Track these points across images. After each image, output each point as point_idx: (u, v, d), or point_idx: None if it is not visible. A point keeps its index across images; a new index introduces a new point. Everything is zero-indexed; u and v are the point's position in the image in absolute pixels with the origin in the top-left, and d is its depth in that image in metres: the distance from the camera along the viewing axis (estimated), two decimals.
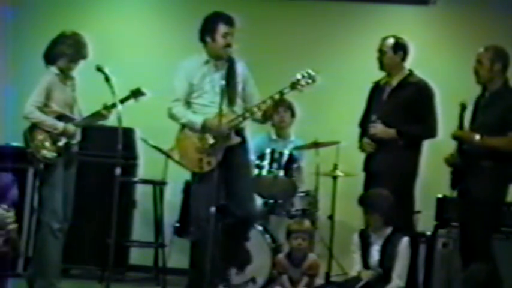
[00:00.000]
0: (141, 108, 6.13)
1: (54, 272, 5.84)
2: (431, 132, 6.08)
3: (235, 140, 5.77)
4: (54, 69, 5.86)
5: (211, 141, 5.70)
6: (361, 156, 6.22)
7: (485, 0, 7.53)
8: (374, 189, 5.84)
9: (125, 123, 5.71)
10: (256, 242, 6.48)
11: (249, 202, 5.89)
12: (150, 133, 6.98)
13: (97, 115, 5.88)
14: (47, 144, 5.76)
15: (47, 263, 5.78)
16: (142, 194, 7.48)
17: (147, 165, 7.48)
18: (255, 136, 6.82)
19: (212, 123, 5.63)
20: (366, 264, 5.71)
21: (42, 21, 7.73)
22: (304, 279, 6.00)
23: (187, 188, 6.65)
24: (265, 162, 6.71)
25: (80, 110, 6.01)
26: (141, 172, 7.52)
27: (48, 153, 5.75)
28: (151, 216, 7.12)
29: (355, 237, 5.81)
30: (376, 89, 6.25)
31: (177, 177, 6.85)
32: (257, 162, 6.71)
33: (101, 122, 6.02)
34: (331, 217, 6.91)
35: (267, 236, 6.58)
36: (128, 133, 7.05)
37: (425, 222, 6.60)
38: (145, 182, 7.26)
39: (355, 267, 5.76)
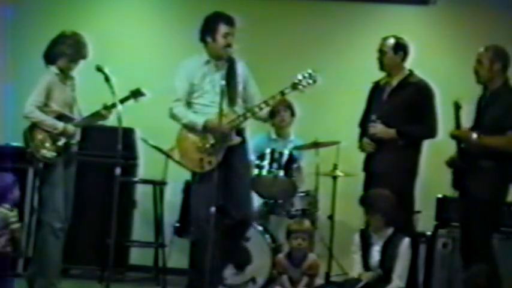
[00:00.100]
0: (141, 108, 6.13)
1: (55, 271, 5.85)
2: (431, 132, 6.08)
3: (236, 140, 5.78)
4: (54, 69, 5.86)
5: (212, 141, 5.71)
6: (361, 156, 6.21)
7: (485, 0, 7.52)
8: (375, 189, 5.83)
9: (125, 123, 5.71)
10: (256, 242, 6.48)
11: (247, 204, 5.90)
12: (150, 133, 6.98)
13: (97, 115, 5.88)
14: (47, 143, 5.76)
15: (47, 262, 5.78)
16: (142, 194, 7.48)
17: (147, 165, 7.48)
18: (255, 136, 6.82)
19: (213, 124, 5.63)
20: (366, 265, 5.70)
21: (42, 21, 7.72)
22: (304, 279, 6.00)
23: (187, 188, 6.65)
24: (265, 162, 6.70)
25: (79, 110, 6.01)
26: (141, 172, 7.51)
27: (47, 152, 5.75)
28: (151, 216, 7.12)
29: (356, 238, 5.80)
30: (376, 89, 6.25)
31: (177, 177, 6.85)
32: (257, 162, 6.71)
33: (100, 122, 6.02)
34: (331, 217, 6.91)
35: (267, 236, 6.58)
36: (128, 133, 7.05)
37: (425, 222, 6.60)
38: (145, 182, 7.26)
39: (355, 268, 5.76)
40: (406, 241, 5.66)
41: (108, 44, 7.41)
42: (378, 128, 6.03)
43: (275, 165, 6.69)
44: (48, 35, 5.98)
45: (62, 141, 5.80)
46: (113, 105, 5.74)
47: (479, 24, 7.42)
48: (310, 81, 5.70)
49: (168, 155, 6.59)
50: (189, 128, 5.77)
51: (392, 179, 5.85)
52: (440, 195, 6.57)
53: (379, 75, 6.24)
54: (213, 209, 5.42)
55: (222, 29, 5.74)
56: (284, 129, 7.25)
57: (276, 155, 6.71)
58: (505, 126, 5.56)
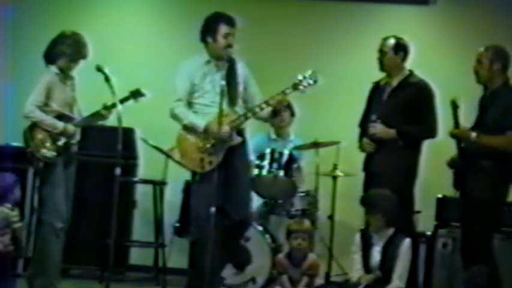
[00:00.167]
0: (141, 108, 6.13)
1: (55, 271, 5.84)
2: (431, 133, 6.08)
3: (237, 140, 5.78)
4: (54, 69, 5.86)
5: (212, 141, 5.70)
6: (361, 156, 6.22)
7: (485, 0, 7.52)
8: (376, 189, 5.82)
9: (125, 123, 5.71)
10: (256, 242, 6.49)
11: (246, 204, 5.91)
12: (150, 133, 6.98)
13: (97, 115, 5.88)
14: (47, 143, 5.76)
15: (47, 262, 5.78)
16: (142, 194, 7.48)
17: (147, 165, 7.48)
18: (254, 136, 6.83)
19: (213, 129, 5.61)
20: (366, 265, 5.70)
21: (42, 21, 7.72)
22: (304, 279, 5.99)
23: (187, 188, 6.65)
24: (265, 162, 6.71)
25: (79, 109, 6.01)
26: (141, 172, 7.51)
27: (48, 152, 5.75)
28: (151, 216, 7.12)
29: (357, 238, 5.79)
30: (376, 89, 6.25)
31: (177, 177, 6.85)
32: (257, 162, 6.71)
33: (100, 122, 6.02)
34: (331, 217, 6.91)
35: (267, 236, 6.58)
36: (128, 133, 7.04)
37: (425, 222, 6.59)
38: (145, 182, 7.25)
39: (355, 268, 5.75)
40: (407, 242, 5.65)
41: (108, 44, 7.41)
42: (377, 128, 6.03)
43: (275, 165, 6.69)
44: (48, 35, 5.98)
45: (62, 141, 5.80)
46: (113, 105, 5.74)
47: (479, 24, 7.42)
48: (311, 81, 5.70)
49: (168, 155, 6.59)
50: (190, 129, 5.77)
51: (392, 179, 5.85)
52: (440, 195, 6.57)
53: (379, 75, 6.24)
54: (213, 209, 5.42)
55: (223, 29, 5.74)
56: (284, 129, 7.25)
57: (276, 155, 6.72)
58: (504, 126, 5.56)
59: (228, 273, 6.35)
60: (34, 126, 5.77)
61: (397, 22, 7.54)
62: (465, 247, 5.71)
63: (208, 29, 5.79)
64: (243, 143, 5.87)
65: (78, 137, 5.92)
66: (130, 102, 5.90)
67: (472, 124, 5.71)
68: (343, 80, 7.45)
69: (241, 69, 5.88)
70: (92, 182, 7.08)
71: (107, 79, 5.68)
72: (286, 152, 6.75)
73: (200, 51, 5.88)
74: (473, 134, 5.57)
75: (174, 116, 5.80)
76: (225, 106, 5.63)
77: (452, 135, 5.70)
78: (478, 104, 5.72)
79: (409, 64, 6.20)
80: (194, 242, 6.14)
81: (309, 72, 5.71)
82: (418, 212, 6.38)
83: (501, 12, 7.37)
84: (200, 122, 5.71)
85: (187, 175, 6.14)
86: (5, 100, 7.41)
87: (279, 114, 6.01)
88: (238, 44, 5.82)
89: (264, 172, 6.70)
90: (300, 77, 5.70)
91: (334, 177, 6.91)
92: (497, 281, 5.55)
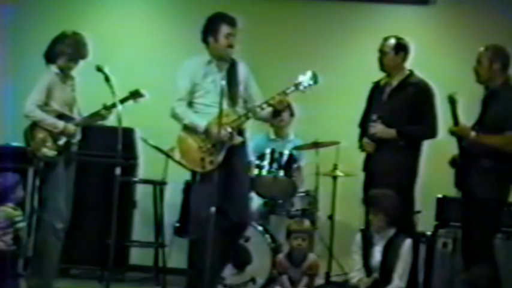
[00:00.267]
0: (141, 108, 6.13)
1: (52, 271, 5.85)
2: (432, 133, 6.09)
3: (238, 139, 5.77)
4: (54, 68, 5.87)
5: (213, 140, 5.69)
6: (361, 156, 6.22)
7: (485, 0, 7.52)
8: (379, 188, 5.81)
9: (125, 123, 5.71)
10: (256, 242, 6.49)
11: (244, 205, 5.90)
12: (150, 133, 6.97)
13: (97, 115, 5.88)
14: (48, 142, 5.77)
15: (45, 262, 5.78)
16: (142, 194, 7.47)
17: (147, 165, 7.47)
18: (254, 136, 6.83)
19: (214, 131, 5.60)
20: (367, 265, 5.69)
21: (41, 21, 7.72)
22: (304, 279, 6.00)
23: (187, 188, 6.65)
24: (265, 162, 6.71)
25: (79, 109, 6.01)
26: (141, 172, 7.51)
27: (48, 151, 5.76)
28: (151, 216, 7.11)
29: (358, 237, 5.79)
30: (376, 89, 6.25)
31: (177, 177, 6.85)
32: (257, 162, 6.71)
33: (100, 122, 6.02)
34: (331, 217, 6.91)
35: (267, 236, 6.58)
36: (128, 133, 7.04)
37: (425, 222, 6.59)
38: (145, 182, 7.25)
39: (355, 268, 5.75)
40: (408, 242, 5.64)
41: (108, 44, 7.41)
42: (378, 128, 6.04)
43: (275, 165, 6.69)
44: (48, 35, 5.98)
45: (62, 141, 5.81)
46: (113, 105, 5.74)
47: (479, 24, 7.41)
48: (312, 82, 5.70)
49: (168, 155, 6.59)
50: (191, 128, 5.77)
51: (392, 179, 5.85)
52: (440, 195, 6.57)
53: (379, 75, 6.24)
54: (213, 209, 5.42)
55: (224, 29, 5.74)
56: (283, 129, 7.25)
57: (276, 155, 6.72)
58: (503, 126, 5.56)
59: (228, 273, 6.35)
60: (35, 125, 5.78)
61: (397, 22, 7.54)
62: (466, 247, 5.71)
63: (210, 29, 5.79)
64: (243, 143, 5.86)
65: (78, 136, 5.93)
66: (130, 102, 5.91)
67: (473, 122, 5.70)
68: (343, 80, 7.44)
69: (242, 69, 5.88)
70: (92, 182, 7.08)
71: (107, 79, 5.69)
72: (286, 152, 6.75)
73: (200, 51, 5.87)
74: (473, 133, 5.57)
75: (175, 116, 5.79)
76: (225, 106, 5.63)
77: (452, 133, 5.70)
78: (481, 103, 5.72)
79: (409, 64, 6.20)
80: (194, 242, 6.14)
81: (310, 72, 5.71)
82: (418, 212, 6.38)
83: (501, 12, 7.36)
84: (201, 122, 5.71)
85: (187, 175, 6.13)
86: (5, 100, 7.41)
87: (279, 115, 6.00)
88: (238, 44, 5.81)
89: (264, 172, 6.70)
90: (301, 78, 5.70)
91: (334, 177, 6.90)
92: (498, 282, 5.54)
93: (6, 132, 7.24)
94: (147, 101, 6.01)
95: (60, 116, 5.82)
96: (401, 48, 6.12)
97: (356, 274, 5.72)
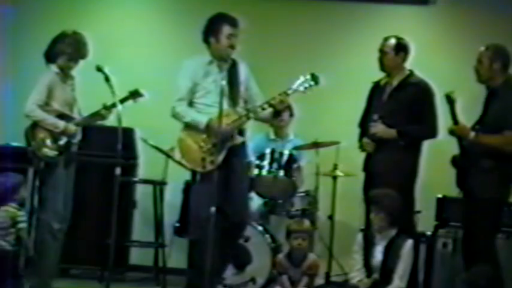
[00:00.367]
0: (141, 108, 6.13)
1: (50, 271, 5.84)
2: (432, 132, 6.09)
3: (239, 139, 5.78)
4: (54, 68, 5.87)
5: (214, 140, 5.70)
6: (361, 156, 6.22)
7: (485, 0, 7.52)
8: (382, 188, 5.79)
9: (125, 123, 5.71)
10: (256, 242, 6.49)
11: (243, 205, 5.90)
12: (150, 133, 6.98)
13: (96, 115, 5.89)
14: (48, 142, 5.77)
15: (43, 262, 5.78)
16: (142, 194, 7.47)
17: (147, 165, 7.47)
18: (254, 136, 6.83)
19: (216, 124, 5.61)
20: (367, 265, 5.69)
21: (42, 21, 7.72)
22: (304, 279, 6.00)
23: (187, 188, 6.65)
24: (265, 162, 6.71)
25: (79, 109, 6.01)
26: (141, 172, 7.51)
27: (49, 151, 5.76)
28: (151, 216, 7.12)
29: (359, 237, 5.78)
30: (376, 88, 6.25)
31: (177, 177, 6.85)
32: (257, 162, 6.71)
33: (100, 122, 6.02)
34: (331, 217, 6.90)
35: (267, 236, 6.58)
36: (128, 133, 7.04)
37: (425, 222, 6.59)
38: (145, 182, 7.25)
39: (356, 268, 5.74)
40: (409, 243, 5.63)
41: (108, 44, 7.41)
42: (379, 128, 6.04)
43: (275, 165, 6.70)
44: (48, 35, 5.98)
45: (63, 141, 5.81)
46: (113, 105, 5.74)
47: (479, 24, 7.41)
48: (313, 82, 5.70)
49: (168, 155, 6.59)
50: (191, 127, 5.76)
51: (392, 179, 5.85)
52: (440, 195, 6.57)
53: (379, 75, 6.24)
54: (213, 209, 5.42)
55: (226, 30, 5.74)
56: (283, 129, 7.25)
57: (276, 155, 6.72)
58: (502, 126, 5.56)
59: (228, 273, 6.34)
60: (35, 125, 5.78)
61: (397, 22, 7.53)
62: (467, 247, 5.71)
63: (212, 30, 5.79)
64: (243, 143, 5.87)
65: (79, 136, 5.93)
66: (130, 102, 5.91)
67: (474, 123, 5.70)
68: (343, 80, 7.43)
69: (242, 70, 5.88)
70: (92, 182, 7.08)
71: (107, 79, 5.69)
72: (286, 152, 6.75)
73: (201, 51, 5.87)
74: (472, 134, 5.57)
75: (176, 115, 5.78)
76: (226, 106, 5.63)
77: (451, 132, 5.70)
78: (483, 103, 5.73)
79: (409, 64, 6.20)
80: (194, 242, 6.13)
81: (311, 73, 5.71)
82: (418, 212, 6.38)
83: (501, 12, 7.36)
84: (202, 119, 5.70)
85: (187, 175, 6.13)
86: (5, 100, 7.41)
87: (280, 115, 6.00)
88: (238, 45, 5.81)
89: (264, 172, 6.70)
90: (302, 78, 5.70)
91: (334, 177, 6.90)
92: (499, 282, 5.54)
93: (6, 132, 7.24)
94: (147, 101, 6.01)
95: (61, 116, 5.82)
96: (401, 48, 6.12)
97: (356, 274, 5.71)
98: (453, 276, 6.19)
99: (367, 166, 6.16)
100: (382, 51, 6.14)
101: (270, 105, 5.72)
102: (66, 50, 5.86)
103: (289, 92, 5.69)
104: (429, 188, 6.60)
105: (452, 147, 5.76)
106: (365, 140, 6.15)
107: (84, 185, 6.64)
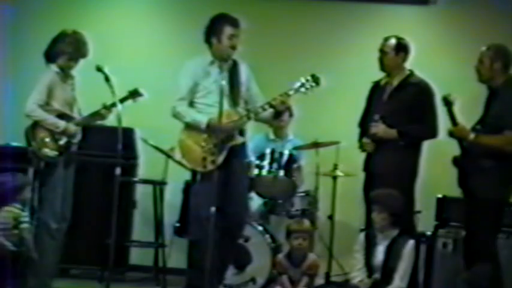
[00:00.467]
0: (141, 108, 6.13)
1: (49, 272, 5.84)
2: (432, 133, 6.09)
3: (239, 139, 5.78)
4: (54, 67, 5.87)
5: (214, 140, 5.69)
6: (361, 156, 6.22)
7: (485, 0, 7.52)
8: (385, 188, 5.78)
9: (125, 123, 5.72)
10: (256, 242, 6.49)
11: (242, 205, 5.90)
12: (150, 133, 6.98)
13: (96, 115, 5.89)
14: (49, 142, 5.77)
15: (41, 262, 5.76)
16: (142, 194, 7.47)
17: (147, 165, 7.47)
18: (253, 136, 6.83)
19: (217, 123, 5.61)
20: (368, 264, 5.68)
21: (42, 20, 7.72)
22: (304, 279, 5.99)
23: (187, 188, 6.64)
24: (265, 162, 6.71)
25: (79, 109, 6.01)
26: (141, 172, 7.50)
27: (50, 151, 5.76)
28: (151, 216, 7.12)
29: (361, 237, 5.78)
30: (377, 88, 6.25)
31: (177, 177, 6.85)
32: (257, 162, 6.71)
33: (100, 122, 6.02)
34: (331, 217, 6.90)
35: (267, 236, 6.58)
36: (128, 133, 7.03)
37: (425, 222, 6.59)
38: (145, 182, 7.25)
39: (356, 267, 5.74)
40: (411, 243, 5.63)
41: (108, 44, 7.40)
42: (379, 128, 6.03)
43: (275, 165, 6.69)
44: (48, 34, 5.98)
45: (63, 140, 5.81)
46: (113, 105, 5.74)
47: (479, 24, 7.41)
48: (314, 83, 5.71)
49: (168, 155, 6.60)
50: (192, 127, 5.76)
51: (392, 179, 5.85)
52: (440, 195, 6.57)
53: (379, 75, 6.24)
54: (213, 209, 5.42)
55: (228, 30, 5.74)
56: (282, 129, 7.25)
57: (276, 155, 6.72)
58: (503, 125, 5.56)
59: (228, 273, 6.34)
60: (36, 125, 5.79)
61: (397, 22, 7.54)
62: (467, 247, 5.70)
63: (213, 30, 5.79)
64: (244, 143, 5.87)
65: (79, 136, 5.93)
66: (130, 102, 5.91)
67: (475, 123, 5.70)
68: (343, 80, 7.43)
69: (243, 70, 5.89)
70: (92, 182, 7.08)
71: (107, 79, 5.69)
72: (286, 152, 6.75)
73: (201, 51, 5.87)
74: (472, 135, 5.56)
75: (176, 115, 5.79)
76: (227, 106, 5.64)
77: (450, 134, 5.70)
78: (484, 103, 5.73)
79: (409, 64, 6.20)
80: (194, 242, 6.13)
81: (312, 74, 5.72)
82: (418, 212, 6.38)
83: (501, 12, 7.36)
84: (202, 119, 5.70)
85: (187, 175, 6.13)
86: (5, 100, 7.41)
87: (280, 116, 6.00)
88: (239, 45, 5.81)
89: (264, 172, 6.70)
90: (303, 80, 5.70)
91: (334, 177, 6.90)
92: (500, 282, 5.54)
93: (6, 132, 7.24)
94: (147, 100, 6.01)
95: (61, 116, 5.83)
96: (401, 48, 6.12)
97: (357, 274, 5.71)
98: (453, 276, 6.19)
99: (367, 166, 6.16)
100: (382, 51, 6.14)
101: (271, 106, 5.72)
102: (66, 49, 5.86)
103: (290, 93, 5.70)
104: (429, 188, 6.60)
105: (453, 147, 5.76)
106: (365, 140, 6.15)
107: (84, 185, 6.64)
